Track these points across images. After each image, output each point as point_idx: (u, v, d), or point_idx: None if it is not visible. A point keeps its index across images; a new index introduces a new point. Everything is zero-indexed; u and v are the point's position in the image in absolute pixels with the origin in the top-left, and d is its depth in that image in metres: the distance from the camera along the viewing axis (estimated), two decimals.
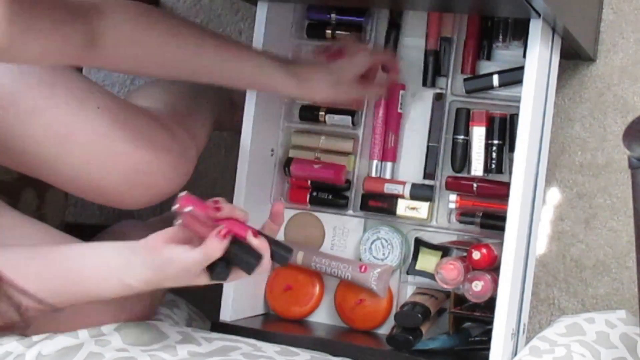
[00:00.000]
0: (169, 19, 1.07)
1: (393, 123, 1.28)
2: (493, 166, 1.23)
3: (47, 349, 1.05)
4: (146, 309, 1.17)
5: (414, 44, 1.29)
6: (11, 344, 1.06)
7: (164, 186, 1.12)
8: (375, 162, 1.29)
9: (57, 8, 0.92)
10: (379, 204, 1.28)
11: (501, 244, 1.12)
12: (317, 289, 1.31)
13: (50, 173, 1.09)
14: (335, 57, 1.21)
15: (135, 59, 1.04)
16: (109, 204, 1.12)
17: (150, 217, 1.53)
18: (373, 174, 1.28)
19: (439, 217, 1.26)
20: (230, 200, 1.24)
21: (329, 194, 1.31)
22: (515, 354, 1.15)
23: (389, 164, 1.28)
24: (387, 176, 1.28)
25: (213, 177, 1.62)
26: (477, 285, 1.14)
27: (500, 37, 1.24)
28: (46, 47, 0.92)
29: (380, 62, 1.26)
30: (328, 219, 1.32)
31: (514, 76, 1.22)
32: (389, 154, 1.28)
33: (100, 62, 1.02)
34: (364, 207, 1.29)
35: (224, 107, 1.41)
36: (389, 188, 1.27)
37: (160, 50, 1.04)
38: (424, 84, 1.27)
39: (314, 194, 1.31)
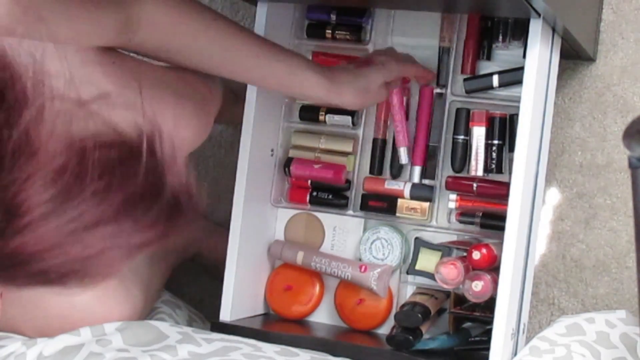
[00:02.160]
0: (204, 10, 1.08)
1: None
2: (493, 166, 1.23)
3: (49, 349, 1.05)
4: (147, 306, 1.18)
5: (413, 43, 1.29)
6: (14, 344, 1.06)
7: (185, 135, 1.09)
8: (402, 149, 1.27)
9: None
10: (379, 204, 1.28)
11: (501, 244, 1.12)
12: (317, 289, 1.31)
13: None
14: (366, 63, 1.21)
15: (169, 47, 1.05)
16: None
17: None
18: (403, 161, 1.27)
19: (439, 217, 1.27)
20: (230, 200, 1.24)
21: (329, 194, 1.31)
22: (515, 354, 1.15)
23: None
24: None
25: (213, 177, 1.62)
26: (477, 285, 1.14)
27: (500, 37, 1.24)
28: (78, 30, 0.92)
29: (410, 74, 1.26)
30: (328, 219, 1.32)
31: (513, 76, 1.22)
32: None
33: (136, 48, 1.03)
34: (364, 207, 1.29)
35: (227, 98, 1.41)
36: (389, 184, 1.27)
37: (194, 41, 1.05)
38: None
39: (314, 194, 1.31)
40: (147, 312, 1.23)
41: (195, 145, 1.11)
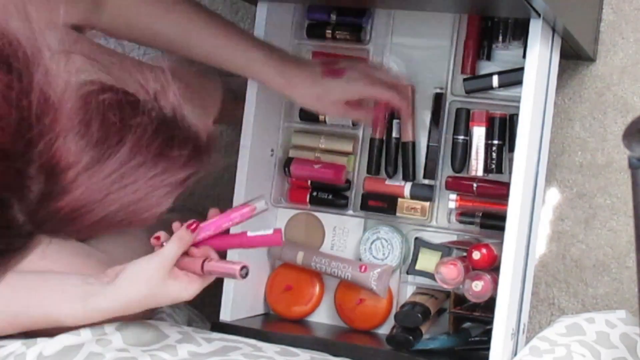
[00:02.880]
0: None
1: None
2: (493, 166, 1.23)
3: (49, 350, 1.05)
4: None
5: (413, 43, 1.29)
6: (14, 344, 1.06)
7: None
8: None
9: None
10: (379, 204, 1.28)
11: (501, 244, 1.12)
12: (317, 289, 1.31)
13: None
14: (333, 74, 1.19)
15: (132, 28, 1.09)
16: None
17: None
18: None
19: (439, 217, 1.27)
20: (230, 200, 1.24)
21: (329, 194, 1.31)
22: (515, 354, 1.15)
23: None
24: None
25: (213, 177, 1.62)
26: (477, 285, 1.14)
27: (500, 37, 1.24)
28: (52, 9, 0.93)
29: (381, 98, 1.22)
30: (328, 219, 1.32)
31: (513, 77, 1.22)
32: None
33: (105, 27, 1.07)
34: (364, 207, 1.29)
35: (227, 98, 1.41)
36: (389, 181, 1.27)
37: (155, 22, 1.09)
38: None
39: (314, 194, 1.31)
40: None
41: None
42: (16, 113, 0.61)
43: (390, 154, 1.28)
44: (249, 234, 1.02)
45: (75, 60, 0.66)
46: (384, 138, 1.29)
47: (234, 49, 1.14)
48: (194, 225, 0.98)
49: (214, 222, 1.00)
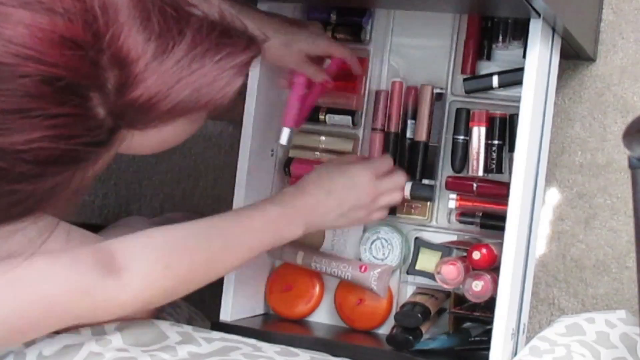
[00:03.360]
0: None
1: None
2: (493, 166, 1.23)
3: (48, 350, 1.05)
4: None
5: (413, 43, 1.29)
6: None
7: (177, 127, 1.10)
8: (285, 129, 1.26)
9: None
10: None
11: (501, 244, 1.12)
12: (317, 289, 1.31)
13: None
14: (296, 24, 1.22)
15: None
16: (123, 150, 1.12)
17: (153, 217, 1.54)
18: (283, 142, 1.25)
19: (439, 217, 1.27)
20: (230, 200, 1.24)
21: None
22: (515, 354, 1.15)
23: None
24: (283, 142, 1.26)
25: (213, 177, 1.62)
26: (477, 285, 1.14)
27: (500, 37, 1.24)
28: None
29: (337, 54, 1.24)
30: None
31: (513, 77, 1.22)
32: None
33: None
34: None
35: None
36: None
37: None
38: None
39: None
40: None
41: (187, 134, 1.11)
42: (79, 4, 0.69)
43: (404, 155, 1.27)
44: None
45: None
46: (399, 137, 1.28)
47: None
48: None
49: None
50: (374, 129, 1.29)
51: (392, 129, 1.28)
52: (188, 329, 1.14)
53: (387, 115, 1.28)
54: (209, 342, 1.11)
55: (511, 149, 1.21)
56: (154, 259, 1.01)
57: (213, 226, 1.07)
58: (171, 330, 1.11)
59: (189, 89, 0.74)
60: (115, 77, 0.71)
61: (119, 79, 0.71)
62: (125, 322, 1.10)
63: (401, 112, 1.28)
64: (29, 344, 1.06)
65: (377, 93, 1.29)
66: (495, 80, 1.23)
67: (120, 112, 0.73)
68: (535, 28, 1.11)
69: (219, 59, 0.75)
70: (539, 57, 1.11)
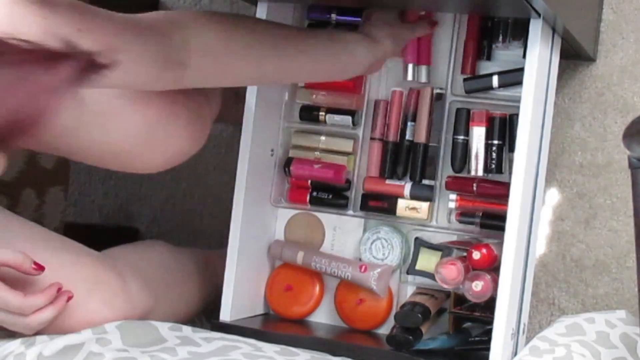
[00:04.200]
0: (247, 22, 1.05)
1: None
2: (493, 166, 1.23)
3: (48, 350, 1.05)
4: (162, 308, 1.18)
5: None
6: (13, 344, 1.06)
7: (179, 146, 1.10)
8: (410, 65, 1.27)
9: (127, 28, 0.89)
10: (379, 204, 1.28)
11: (501, 244, 1.12)
12: (317, 289, 1.31)
13: (66, 142, 1.07)
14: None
15: (221, 71, 1.01)
16: (125, 168, 1.11)
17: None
18: (409, 78, 1.27)
19: (439, 217, 1.27)
20: (230, 200, 1.24)
21: (329, 194, 1.31)
22: (515, 354, 1.15)
23: (423, 68, 1.27)
24: (423, 80, 1.27)
25: (213, 177, 1.62)
26: (477, 285, 1.14)
27: (500, 37, 1.24)
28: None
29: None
30: (328, 219, 1.32)
31: (513, 77, 1.22)
32: (424, 56, 1.27)
33: (183, 82, 0.96)
34: (364, 207, 1.29)
35: (228, 97, 1.41)
36: (390, 181, 1.27)
37: (246, 59, 1.02)
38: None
39: (314, 194, 1.31)
40: (169, 312, 1.22)
41: (192, 151, 1.11)
42: None
43: (403, 156, 1.27)
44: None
45: None
46: (397, 140, 1.28)
47: (332, 51, 1.13)
48: None
49: None
50: (372, 139, 1.29)
51: (391, 139, 1.28)
52: (187, 331, 1.14)
53: (386, 125, 1.28)
54: (208, 342, 1.11)
55: (511, 149, 1.21)
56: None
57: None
58: (170, 335, 1.11)
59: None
60: None
61: None
62: (125, 323, 1.10)
63: (401, 116, 1.28)
64: (29, 344, 1.06)
65: (377, 102, 1.29)
66: (495, 80, 1.23)
67: None
68: (535, 28, 1.11)
69: (32, 83, 0.74)
70: (539, 57, 1.11)
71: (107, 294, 1.11)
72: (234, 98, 1.41)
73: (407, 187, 1.26)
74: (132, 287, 1.14)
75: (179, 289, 1.24)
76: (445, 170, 1.26)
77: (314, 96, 1.31)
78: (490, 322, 1.12)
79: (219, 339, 1.12)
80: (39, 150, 1.15)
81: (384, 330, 1.27)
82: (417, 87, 1.27)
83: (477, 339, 1.21)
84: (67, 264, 1.11)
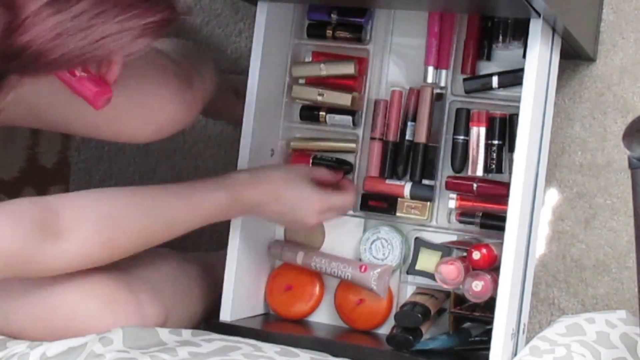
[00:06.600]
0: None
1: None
2: (493, 166, 1.23)
3: (52, 350, 1.05)
4: (171, 315, 1.18)
5: (413, 43, 1.29)
6: (19, 347, 1.07)
7: (170, 113, 1.12)
8: (430, 68, 1.27)
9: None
10: (379, 204, 1.28)
11: (501, 244, 1.12)
12: (317, 289, 1.31)
13: (60, 113, 1.08)
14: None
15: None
16: (117, 137, 1.13)
17: None
18: (429, 81, 1.26)
19: (439, 217, 1.27)
20: None
21: None
22: (515, 354, 1.15)
23: (443, 72, 1.27)
24: (442, 84, 1.26)
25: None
26: (477, 285, 1.15)
27: (500, 37, 1.24)
28: None
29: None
30: None
31: (513, 77, 1.22)
32: (444, 60, 1.26)
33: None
34: (364, 207, 1.29)
35: (229, 96, 1.41)
36: (390, 181, 1.27)
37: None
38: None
39: None
40: (176, 325, 1.21)
41: (183, 121, 1.12)
42: None
43: (403, 156, 1.27)
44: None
45: None
46: (397, 140, 1.28)
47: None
48: None
49: None
50: (372, 138, 1.29)
51: (391, 138, 1.28)
52: (187, 335, 1.13)
53: (385, 124, 1.28)
54: (209, 342, 1.11)
55: (511, 149, 1.21)
56: (95, 230, 1.03)
57: (163, 202, 1.09)
58: (170, 339, 1.11)
59: (83, 41, 0.75)
60: (3, 19, 0.72)
61: (7, 21, 0.72)
62: (125, 324, 1.10)
63: (400, 116, 1.28)
64: (33, 346, 1.06)
65: (377, 102, 1.29)
66: (495, 81, 1.23)
67: (8, 55, 0.73)
68: (535, 28, 1.11)
69: (123, 19, 0.77)
70: (539, 57, 1.11)
71: (120, 315, 1.10)
72: (234, 98, 1.41)
73: (407, 187, 1.26)
74: (146, 306, 1.13)
75: (187, 300, 1.23)
76: (445, 170, 1.26)
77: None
78: (490, 322, 1.12)
79: (219, 340, 1.13)
80: (35, 126, 1.16)
81: (384, 330, 1.27)
82: (416, 87, 1.27)
83: (477, 339, 1.21)
84: (80, 280, 1.09)
